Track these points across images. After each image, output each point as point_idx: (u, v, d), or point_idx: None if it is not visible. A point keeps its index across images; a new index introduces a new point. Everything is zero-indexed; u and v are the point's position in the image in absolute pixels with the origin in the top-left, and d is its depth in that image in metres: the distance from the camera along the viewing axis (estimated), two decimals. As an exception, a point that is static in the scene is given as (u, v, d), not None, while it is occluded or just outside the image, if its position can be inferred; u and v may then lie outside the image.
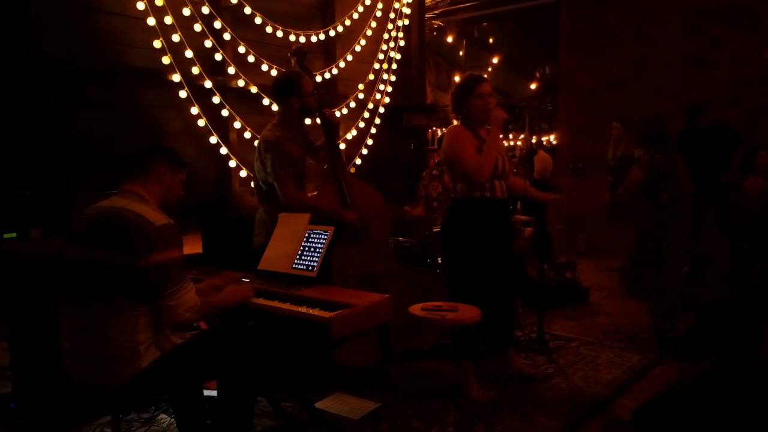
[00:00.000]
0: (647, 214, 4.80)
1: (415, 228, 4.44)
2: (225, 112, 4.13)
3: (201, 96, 3.99)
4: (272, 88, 3.32)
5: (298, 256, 2.60)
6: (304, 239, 2.63)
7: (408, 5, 5.64)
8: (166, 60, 3.80)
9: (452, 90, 3.04)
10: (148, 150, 2.28)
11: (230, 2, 4.19)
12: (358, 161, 5.18)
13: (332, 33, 4.90)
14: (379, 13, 5.29)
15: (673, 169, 4.75)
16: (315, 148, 3.49)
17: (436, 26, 9.28)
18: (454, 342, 3.06)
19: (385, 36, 5.43)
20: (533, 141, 9.49)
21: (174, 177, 2.25)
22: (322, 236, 2.58)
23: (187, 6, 3.90)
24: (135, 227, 1.97)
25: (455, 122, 3.12)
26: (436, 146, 5.95)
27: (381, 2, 5.30)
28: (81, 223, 2.10)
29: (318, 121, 3.47)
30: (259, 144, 3.21)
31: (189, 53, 3.90)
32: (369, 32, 5.20)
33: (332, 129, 3.46)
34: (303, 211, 3.11)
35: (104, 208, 2.08)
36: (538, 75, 10.81)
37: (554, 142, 8.68)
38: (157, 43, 3.76)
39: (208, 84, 4.01)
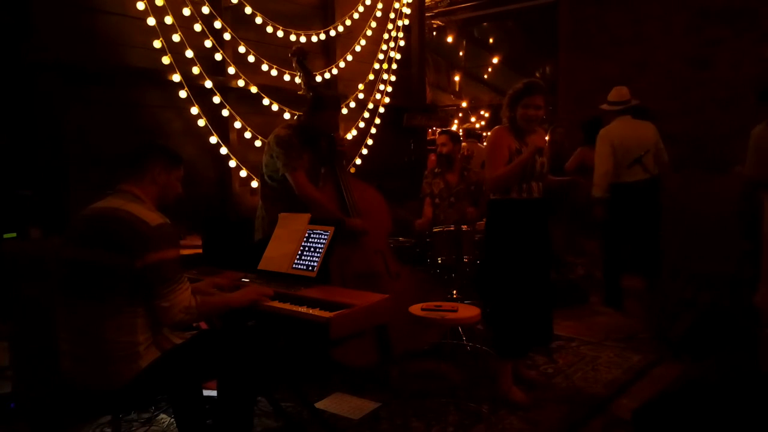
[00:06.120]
0: None
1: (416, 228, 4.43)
2: (225, 112, 4.13)
3: (201, 96, 3.99)
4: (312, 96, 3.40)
5: (298, 256, 2.60)
6: (305, 239, 2.63)
7: (408, 5, 5.63)
8: (166, 60, 3.80)
9: (511, 90, 3.00)
10: (141, 149, 2.24)
11: (230, 2, 4.19)
12: (358, 161, 5.18)
13: (332, 33, 4.90)
14: (379, 13, 5.29)
15: None
16: None
17: (436, 26, 9.28)
18: (496, 339, 3.07)
19: (385, 36, 5.43)
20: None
21: (169, 175, 2.22)
22: (323, 236, 2.58)
23: (187, 6, 3.90)
24: (130, 228, 1.96)
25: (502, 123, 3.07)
26: (435, 146, 5.95)
27: (381, 2, 5.29)
28: (77, 225, 2.09)
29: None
30: (270, 140, 3.28)
31: (189, 53, 3.90)
32: (369, 32, 5.19)
33: (336, 150, 3.48)
34: (311, 206, 3.12)
35: (100, 209, 2.07)
36: (538, 75, 10.79)
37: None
38: (157, 43, 3.76)
39: (208, 84, 4.01)
